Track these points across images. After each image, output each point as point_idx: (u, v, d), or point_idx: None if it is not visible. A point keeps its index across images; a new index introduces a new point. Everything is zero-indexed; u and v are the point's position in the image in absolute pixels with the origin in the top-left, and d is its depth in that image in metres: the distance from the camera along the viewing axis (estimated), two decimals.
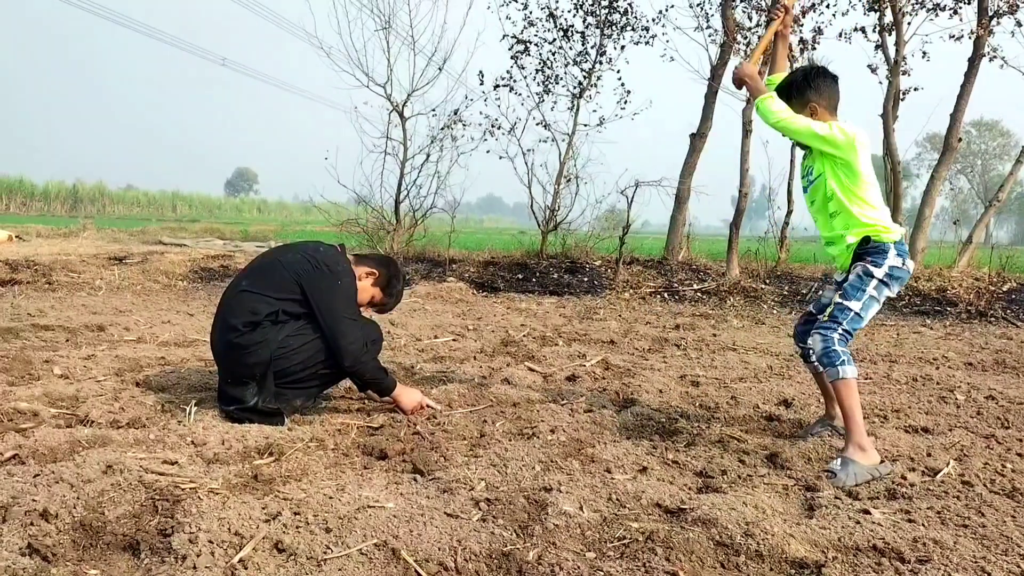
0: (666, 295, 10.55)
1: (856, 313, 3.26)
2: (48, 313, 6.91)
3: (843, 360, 3.19)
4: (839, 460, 3.15)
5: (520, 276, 11.60)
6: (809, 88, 3.39)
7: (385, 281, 3.90)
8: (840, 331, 3.24)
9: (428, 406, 3.89)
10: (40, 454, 2.92)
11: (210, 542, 2.19)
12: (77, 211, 59.15)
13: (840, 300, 3.29)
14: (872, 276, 3.27)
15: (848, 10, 11.96)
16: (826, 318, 3.30)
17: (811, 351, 3.39)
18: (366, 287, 3.86)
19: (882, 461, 3.20)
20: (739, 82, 3.56)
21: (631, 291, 10.67)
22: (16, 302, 7.66)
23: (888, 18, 11.57)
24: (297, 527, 2.34)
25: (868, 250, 3.30)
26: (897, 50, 11.44)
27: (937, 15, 11.46)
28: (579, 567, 2.20)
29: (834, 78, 3.46)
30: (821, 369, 3.34)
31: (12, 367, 4.39)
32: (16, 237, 15.59)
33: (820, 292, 3.70)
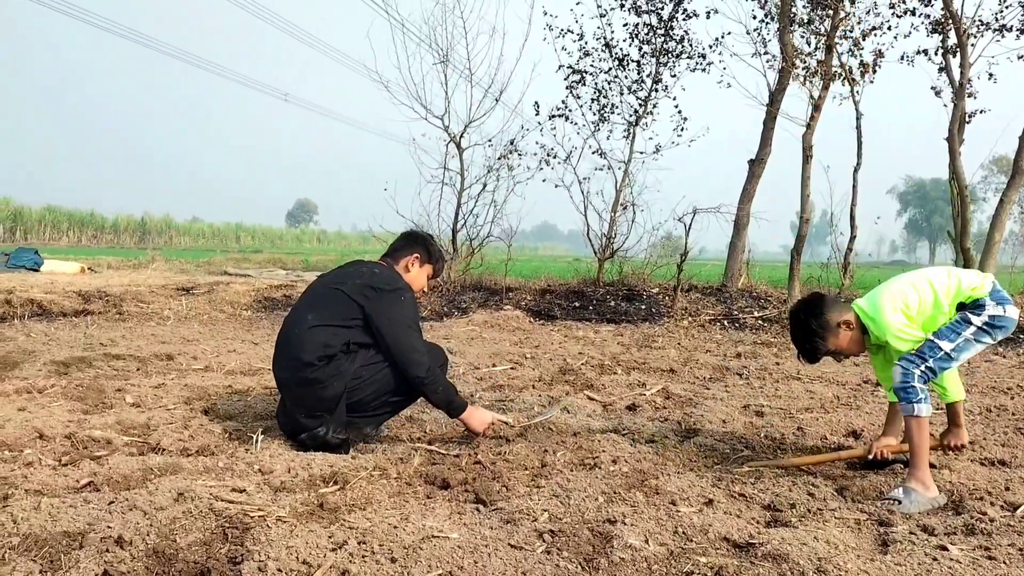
0: (726, 323, 10.40)
1: (947, 353, 3.18)
2: (119, 343, 7.13)
3: (920, 398, 3.13)
4: (901, 489, 3.11)
5: (577, 304, 11.57)
6: (820, 317, 3.36)
7: (427, 253, 3.97)
8: (924, 368, 3.17)
9: (499, 422, 3.91)
10: (114, 481, 3.00)
11: (279, 571, 2.22)
12: (145, 243, 61.26)
13: (933, 338, 3.21)
14: (971, 324, 3.21)
15: (910, 32, 11.77)
16: (913, 351, 3.23)
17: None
18: (418, 273, 3.93)
19: (941, 494, 3.18)
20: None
21: (690, 319, 10.55)
22: (89, 332, 7.93)
23: (952, 40, 11.33)
24: (363, 556, 2.36)
25: (968, 306, 3.26)
26: (962, 72, 11.18)
27: (1004, 36, 11.19)
28: None
29: (823, 296, 3.46)
30: (898, 401, 3.28)
31: (86, 396, 4.54)
32: (88, 269, 16.18)
33: None
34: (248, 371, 5.84)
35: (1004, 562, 2.50)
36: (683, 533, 2.70)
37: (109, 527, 2.46)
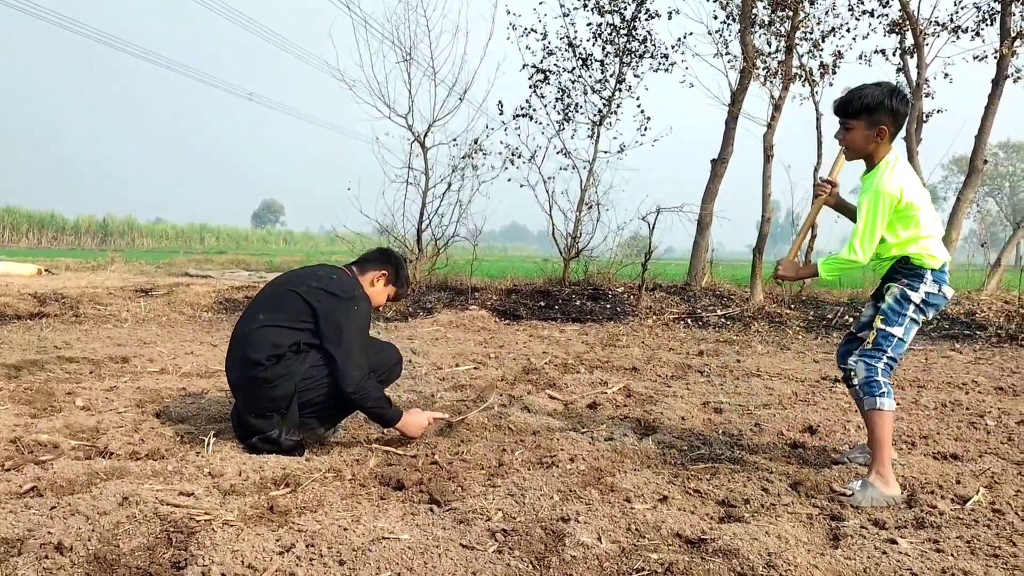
0: (689, 321, 10.47)
1: (899, 339, 3.23)
2: (74, 345, 6.98)
3: (884, 392, 3.17)
4: (860, 482, 3.14)
5: (542, 303, 11.57)
6: (888, 112, 3.19)
7: (395, 275, 3.95)
8: (885, 360, 3.21)
9: (433, 420, 3.90)
10: (58, 486, 2.92)
11: (223, 575, 2.17)
12: (107, 244, 60.20)
13: (882, 326, 3.24)
14: (910, 300, 3.23)
15: (868, 33, 11.95)
16: (870, 345, 3.25)
17: (853, 373, 3.34)
18: (381, 290, 3.91)
19: (902, 495, 3.17)
20: (781, 279, 3.54)
21: (654, 317, 10.60)
22: (43, 335, 7.76)
23: (909, 40, 11.53)
24: (311, 559, 2.32)
25: (904, 271, 3.25)
26: (919, 72, 11.38)
27: (959, 37, 11.41)
28: None
29: (910, 104, 3.27)
30: (860, 396, 3.29)
31: (35, 399, 4.43)
32: (45, 271, 15.84)
33: (860, 311, 3.63)
34: (204, 373, 5.75)
35: (952, 555, 2.53)
36: (636, 530, 2.69)
37: (49, 533, 2.39)
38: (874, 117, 3.20)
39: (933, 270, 3.23)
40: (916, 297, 3.22)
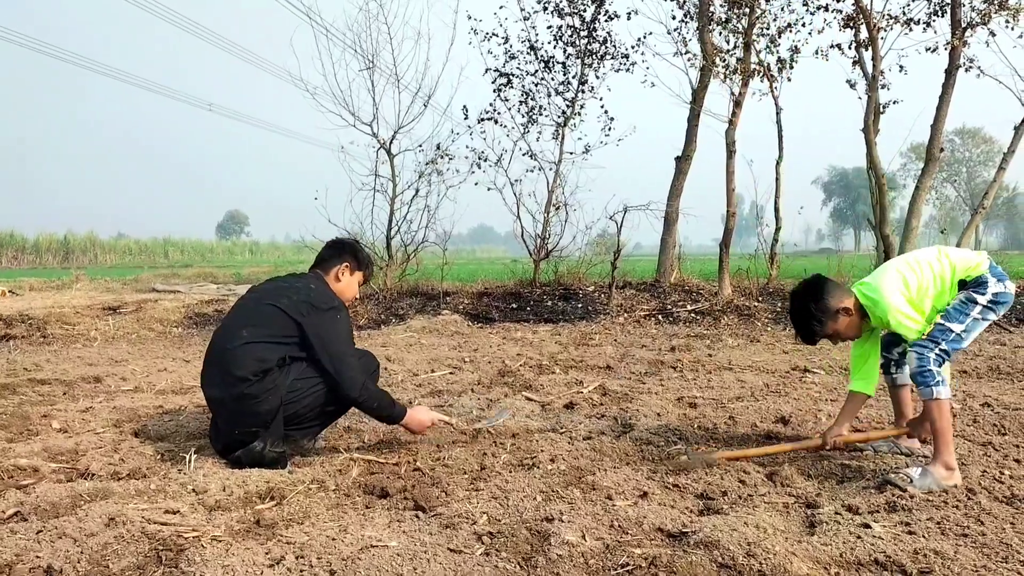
0: (660, 317, 10.59)
1: (957, 334, 3.26)
2: (44, 367, 6.90)
3: (938, 381, 3.19)
4: (920, 470, 3.18)
5: (514, 306, 11.63)
6: (821, 301, 3.42)
7: (356, 261, 3.94)
8: (938, 351, 3.22)
9: (440, 421, 3.91)
10: (42, 510, 2.91)
11: None
12: (69, 262, 59.01)
13: (942, 321, 3.28)
14: (976, 303, 3.29)
15: (824, 28, 12.15)
16: (925, 336, 3.28)
17: (893, 364, 3.53)
18: (350, 281, 3.91)
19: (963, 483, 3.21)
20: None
21: (625, 315, 10.70)
22: (12, 357, 7.66)
23: (864, 34, 11.74)
24: (301, 571, 2.35)
25: (969, 284, 3.35)
26: (874, 65, 11.60)
27: (911, 29, 11.64)
28: None
29: (824, 280, 3.51)
30: (914, 388, 3.36)
31: (10, 423, 4.39)
32: (9, 292, 15.57)
33: None
34: (180, 390, 5.73)
35: (923, 536, 2.63)
36: (619, 526, 2.76)
37: (38, 556, 2.40)
38: (832, 313, 3.42)
39: (989, 271, 3.34)
40: (983, 299, 3.30)
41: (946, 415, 3.21)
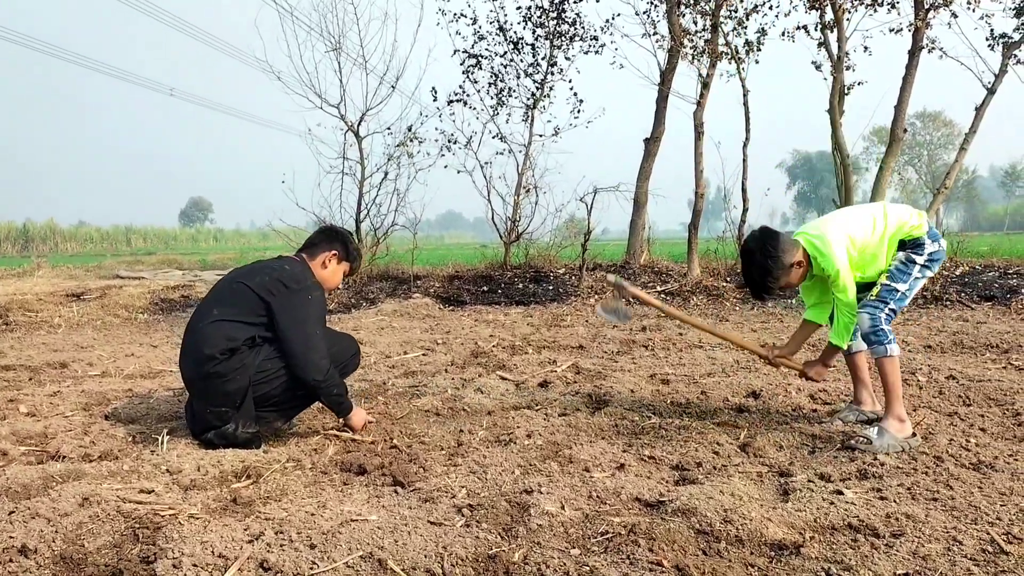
0: (631, 299, 10.63)
1: (903, 293, 3.44)
2: (8, 353, 6.77)
3: (890, 339, 3.39)
4: (876, 429, 3.36)
5: (485, 288, 11.63)
6: (776, 258, 3.47)
7: (345, 251, 3.91)
8: (887, 311, 3.41)
9: (372, 424, 3.92)
10: (13, 492, 2.86)
11: (195, 565, 2.18)
12: (29, 250, 57.75)
13: (887, 282, 3.46)
14: (915, 263, 3.46)
15: (790, 10, 12.23)
16: (873, 297, 3.45)
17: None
18: (335, 270, 3.87)
19: (914, 434, 3.40)
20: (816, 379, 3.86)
21: (596, 297, 10.75)
22: None
23: (829, 15, 11.84)
24: (281, 545, 2.34)
25: (908, 244, 3.50)
26: (839, 46, 11.72)
27: (876, 10, 11.76)
28: (565, 564, 2.22)
29: (775, 235, 3.54)
30: (866, 346, 3.56)
31: None
32: None
33: None
34: (148, 374, 5.65)
35: (894, 500, 2.69)
36: (597, 497, 2.78)
37: (11, 537, 2.36)
38: (787, 268, 3.50)
39: (928, 232, 3.49)
40: (920, 259, 3.46)
41: (896, 370, 3.43)
